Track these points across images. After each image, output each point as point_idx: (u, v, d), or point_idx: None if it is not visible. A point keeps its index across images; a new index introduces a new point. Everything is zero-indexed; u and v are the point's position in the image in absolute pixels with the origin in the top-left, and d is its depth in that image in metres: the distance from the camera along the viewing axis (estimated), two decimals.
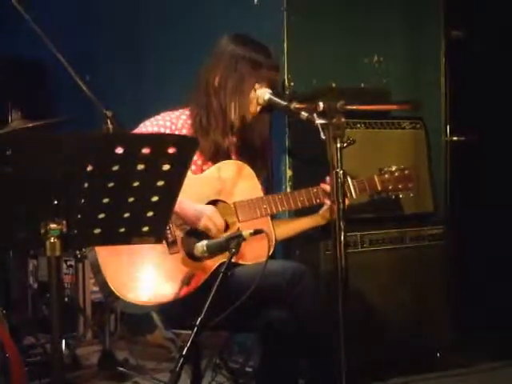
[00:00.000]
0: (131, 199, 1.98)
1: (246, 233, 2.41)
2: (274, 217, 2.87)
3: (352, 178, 2.82)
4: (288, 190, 3.76)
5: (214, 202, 2.75)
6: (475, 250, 4.34)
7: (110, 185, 1.93)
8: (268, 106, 2.80)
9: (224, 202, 2.77)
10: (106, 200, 1.95)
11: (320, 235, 3.38)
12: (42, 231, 1.92)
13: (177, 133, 2.77)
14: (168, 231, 2.63)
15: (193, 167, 2.76)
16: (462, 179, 4.39)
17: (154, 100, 3.17)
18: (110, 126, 3.22)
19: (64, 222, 1.93)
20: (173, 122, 2.83)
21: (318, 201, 2.84)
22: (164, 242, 2.62)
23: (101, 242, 2.12)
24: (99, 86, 3.76)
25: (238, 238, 2.41)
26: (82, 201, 1.93)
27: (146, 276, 2.62)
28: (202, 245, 2.47)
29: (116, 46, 4.94)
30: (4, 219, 1.92)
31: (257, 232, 2.43)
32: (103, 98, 3.26)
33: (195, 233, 2.67)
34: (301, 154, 3.79)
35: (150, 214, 2.02)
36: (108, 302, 2.80)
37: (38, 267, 4.59)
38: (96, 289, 4.04)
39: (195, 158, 2.74)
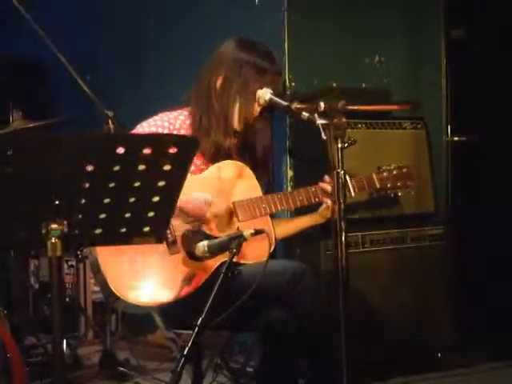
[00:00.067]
0: (132, 199, 1.98)
1: (247, 233, 2.41)
2: (273, 216, 2.87)
3: (351, 177, 2.83)
4: (289, 190, 3.76)
5: None
6: (476, 250, 4.34)
7: (111, 185, 1.93)
8: (269, 107, 2.80)
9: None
10: (106, 200, 1.95)
11: (320, 234, 3.39)
12: (43, 231, 1.92)
13: (175, 133, 2.77)
14: (168, 231, 2.63)
15: (192, 168, 2.76)
16: (462, 179, 4.39)
17: (153, 100, 3.17)
18: (111, 125, 3.22)
19: (65, 222, 1.93)
20: (171, 122, 2.82)
21: (316, 200, 2.85)
22: (164, 242, 2.62)
23: (102, 242, 2.12)
24: (99, 85, 3.76)
25: (239, 238, 2.41)
26: (83, 201, 1.93)
27: (147, 276, 2.62)
28: (203, 245, 2.47)
29: (116, 45, 4.94)
30: (5, 219, 1.92)
31: (258, 232, 2.43)
32: (103, 98, 3.27)
33: (195, 233, 2.67)
34: (302, 155, 3.79)
35: (151, 214, 2.02)
36: (109, 302, 2.79)
37: (39, 267, 4.59)
38: (97, 289, 4.05)
39: (194, 158, 2.73)
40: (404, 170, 2.97)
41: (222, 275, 2.36)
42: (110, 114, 3.23)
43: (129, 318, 4.18)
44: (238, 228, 2.71)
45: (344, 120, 2.33)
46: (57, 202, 1.91)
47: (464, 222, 4.23)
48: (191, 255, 2.61)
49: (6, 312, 3.34)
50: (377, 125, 3.67)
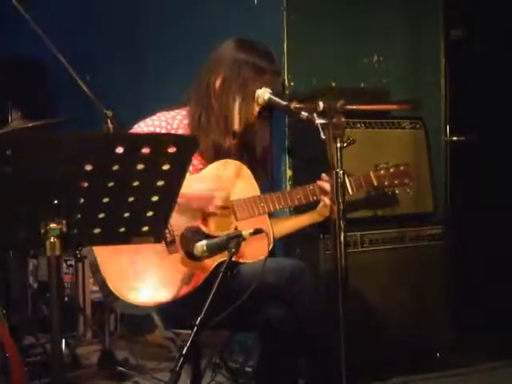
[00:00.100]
0: (131, 199, 1.98)
1: (245, 232, 2.41)
2: (271, 215, 2.87)
3: (348, 176, 2.83)
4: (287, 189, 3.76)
5: None
6: (475, 250, 4.34)
7: (110, 184, 1.93)
8: (268, 106, 2.80)
9: None
10: (105, 200, 1.95)
11: (319, 233, 3.39)
12: (42, 231, 1.93)
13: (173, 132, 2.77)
14: (166, 231, 2.63)
15: (190, 168, 2.76)
16: (461, 179, 4.39)
17: (153, 100, 3.17)
18: (111, 125, 3.22)
19: (64, 221, 1.93)
20: (168, 122, 2.82)
21: (314, 198, 2.85)
22: (163, 241, 2.62)
23: (101, 241, 2.12)
24: (99, 85, 3.76)
25: (238, 238, 2.41)
26: (82, 200, 1.93)
27: (146, 276, 2.62)
28: (201, 245, 2.47)
29: (116, 45, 4.95)
30: (4, 219, 1.92)
31: (257, 232, 2.43)
32: (103, 98, 3.27)
33: (194, 232, 2.67)
34: (301, 154, 3.80)
35: (150, 213, 2.03)
36: (107, 301, 2.79)
37: (37, 267, 4.60)
38: (96, 288, 4.04)
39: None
40: (401, 168, 2.97)
41: (221, 275, 2.36)
42: (109, 113, 3.23)
43: (128, 317, 4.18)
44: (236, 227, 2.71)
45: (343, 120, 2.32)
46: (56, 202, 1.91)
47: (463, 222, 4.23)
48: (190, 255, 2.61)
49: (4, 312, 3.35)
50: (376, 124, 3.67)
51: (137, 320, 3.99)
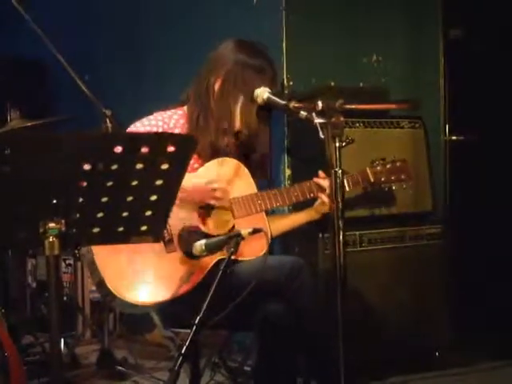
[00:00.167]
0: (130, 198, 1.98)
1: (244, 232, 2.42)
2: (268, 212, 2.87)
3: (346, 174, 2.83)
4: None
5: None
6: (474, 250, 4.34)
7: (109, 184, 1.93)
8: (267, 106, 2.80)
9: None
10: (104, 199, 1.95)
11: (318, 232, 3.39)
12: (41, 230, 1.93)
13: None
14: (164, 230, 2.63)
15: None
16: (460, 178, 4.39)
17: (153, 100, 3.16)
18: (109, 124, 3.22)
19: (63, 221, 1.93)
20: (165, 121, 2.82)
21: (311, 195, 2.86)
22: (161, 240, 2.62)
23: (99, 240, 2.12)
24: (99, 85, 3.76)
25: (237, 238, 2.41)
26: (81, 200, 1.94)
27: (144, 275, 2.62)
28: (200, 244, 2.47)
29: (116, 45, 4.95)
30: (3, 219, 1.93)
31: (256, 231, 2.43)
32: (103, 98, 3.27)
33: (192, 232, 2.67)
34: (300, 153, 3.80)
35: (149, 213, 2.03)
36: (106, 301, 2.79)
37: (36, 266, 4.60)
38: (95, 288, 4.05)
39: None
40: (398, 164, 2.98)
41: (219, 274, 2.36)
42: (108, 112, 3.23)
43: (126, 317, 4.18)
44: (233, 225, 2.71)
45: (342, 119, 2.33)
46: (55, 201, 1.91)
47: (462, 221, 4.23)
48: (188, 254, 2.62)
49: (3, 311, 3.35)
50: (375, 124, 3.67)
51: (136, 319, 3.99)
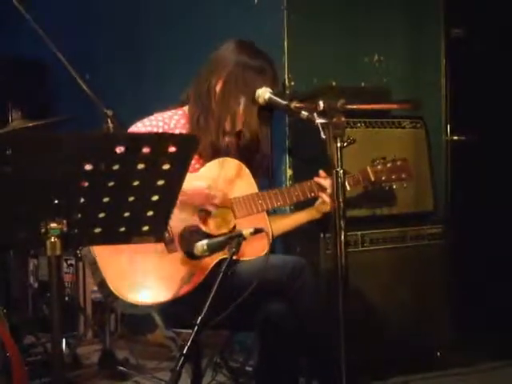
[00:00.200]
0: (131, 198, 1.98)
1: (246, 232, 2.41)
2: (269, 212, 2.87)
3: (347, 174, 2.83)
4: None
5: None
6: (475, 250, 4.34)
7: (110, 184, 1.93)
8: (268, 106, 2.80)
9: None
10: (106, 199, 1.95)
11: (319, 232, 3.39)
12: (43, 231, 1.93)
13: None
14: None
15: None
16: (462, 178, 4.39)
17: (153, 100, 3.17)
18: (111, 125, 3.22)
19: (64, 221, 1.94)
20: (165, 121, 2.82)
21: (312, 194, 2.86)
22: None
23: (101, 241, 2.12)
24: (99, 85, 3.76)
25: (239, 238, 2.41)
26: (82, 200, 1.94)
27: (146, 276, 2.62)
28: (202, 244, 2.46)
29: (116, 46, 4.95)
30: (4, 219, 1.93)
31: (257, 231, 2.43)
32: (103, 98, 3.27)
33: (193, 232, 2.67)
34: (301, 154, 3.80)
35: (150, 213, 2.03)
36: (107, 301, 2.79)
37: (38, 266, 4.60)
38: (96, 288, 4.05)
39: None
40: (398, 163, 2.98)
41: (221, 274, 2.36)
42: (109, 113, 3.23)
43: (128, 317, 4.18)
44: (235, 226, 2.71)
45: (343, 119, 2.32)
46: (56, 202, 1.91)
47: (463, 221, 4.23)
48: (189, 254, 2.61)
49: (5, 311, 3.34)
50: (376, 124, 3.67)
51: (137, 320, 3.99)
